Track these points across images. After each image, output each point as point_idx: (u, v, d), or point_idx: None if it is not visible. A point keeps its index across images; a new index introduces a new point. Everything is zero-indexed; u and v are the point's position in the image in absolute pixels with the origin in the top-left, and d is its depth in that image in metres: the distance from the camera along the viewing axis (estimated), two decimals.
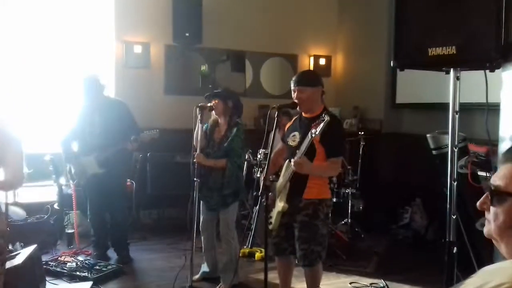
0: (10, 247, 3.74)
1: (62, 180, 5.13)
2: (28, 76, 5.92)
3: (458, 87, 2.58)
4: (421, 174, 5.34)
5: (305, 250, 3.20)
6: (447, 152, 2.67)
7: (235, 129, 3.87)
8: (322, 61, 7.21)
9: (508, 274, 1.05)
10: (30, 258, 3.54)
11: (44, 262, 4.13)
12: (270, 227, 3.28)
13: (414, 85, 5.88)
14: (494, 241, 1.23)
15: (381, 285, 4.21)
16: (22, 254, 3.55)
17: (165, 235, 5.50)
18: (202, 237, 4.03)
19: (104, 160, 4.48)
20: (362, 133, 5.70)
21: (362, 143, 5.59)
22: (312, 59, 7.20)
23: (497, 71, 2.39)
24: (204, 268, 4.22)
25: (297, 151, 3.11)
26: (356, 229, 5.42)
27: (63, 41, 6.00)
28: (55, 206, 5.18)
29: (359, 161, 5.57)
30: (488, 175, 3.96)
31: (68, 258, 4.41)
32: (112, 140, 4.47)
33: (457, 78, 2.57)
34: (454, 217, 2.61)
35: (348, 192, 5.35)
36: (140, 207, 5.90)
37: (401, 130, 6.32)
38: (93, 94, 4.53)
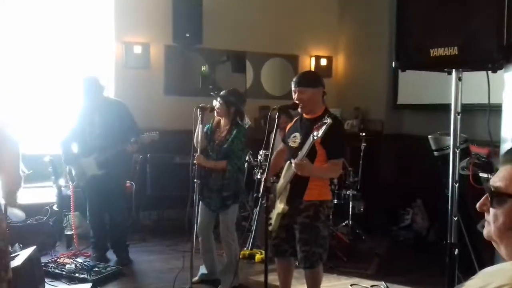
0: (9, 248, 3.72)
1: (62, 182, 5.12)
2: (28, 76, 5.91)
3: (460, 88, 2.57)
4: (422, 175, 5.33)
5: (306, 252, 3.18)
6: (449, 153, 2.66)
7: (235, 131, 3.85)
8: (323, 62, 7.20)
9: (508, 275, 1.04)
10: (29, 259, 3.52)
11: (43, 264, 4.12)
12: (270, 228, 3.26)
13: (416, 86, 5.86)
14: (494, 243, 1.22)
15: (382, 287, 4.19)
16: (21, 256, 3.53)
17: (165, 236, 5.48)
18: (199, 239, 4.02)
19: (104, 161, 4.47)
20: (363, 134, 5.68)
21: (363, 144, 5.57)
22: (313, 59, 7.19)
23: (499, 72, 2.37)
24: (203, 270, 4.20)
25: (298, 152, 3.09)
26: (357, 231, 5.40)
27: (63, 42, 5.99)
28: (54, 207, 5.16)
29: (360, 162, 5.56)
30: (489, 176, 3.95)
31: (67, 260, 4.39)
32: (112, 141, 4.46)
33: (459, 79, 2.56)
34: (455, 218, 2.60)
35: (349, 194, 5.33)
36: (139, 209, 5.89)
37: (403, 131, 6.31)
38: (93, 95, 4.52)
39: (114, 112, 4.54)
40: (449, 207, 2.62)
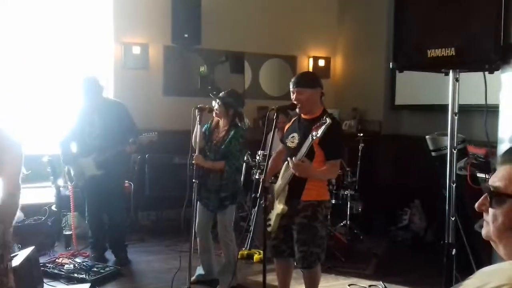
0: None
1: (60, 182, 5.12)
2: (27, 77, 5.91)
3: (457, 89, 2.58)
4: (420, 175, 5.34)
5: (304, 252, 3.18)
6: (446, 153, 2.67)
7: (232, 132, 3.86)
8: (321, 63, 7.21)
9: (507, 275, 1.05)
10: (27, 260, 3.52)
11: (41, 264, 4.12)
12: (269, 229, 3.27)
13: (413, 87, 5.88)
14: (492, 243, 1.22)
15: (380, 287, 4.20)
16: (20, 256, 3.54)
17: (163, 236, 5.48)
18: (197, 239, 4.03)
19: (103, 161, 4.47)
20: (361, 134, 5.70)
21: (361, 144, 5.58)
22: (311, 60, 7.20)
23: (496, 72, 2.38)
24: (200, 270, 4.20)
25: (296, 153, 3.10)
26: (355, 231, 5.41)
27: (62, 43, 5.99)
28: (53, 207, 5.16)
29: (358, 162, 5.57)
30: (487, 176, 3.96)
31: (65, 260, 4.39)
32: (111, 141, 4.46)
33: (456, 79, 2.57)
34: (453, 218, 2.61)
35: (347, 194, 5.34)
36: (138, 209, 5.89)
37: (400, 131, 6.32)
38: (93, 95, 4.52)
39: (113, 113, 4.54)
40: (447, 207, 2.63)
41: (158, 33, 6.25)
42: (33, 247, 3.77)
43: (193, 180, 3.73)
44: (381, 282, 4.25)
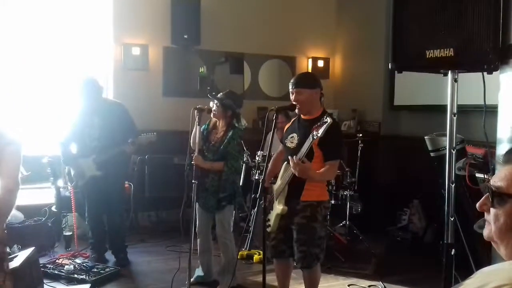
0: (8, 249, 3.72)
1: (60, 183, 5.12)
2: (26, 78, 5.91)
3: (455, 89, 2.59)
4: (419, 176, 5.35)
5: (303, 252, 3.19)
6: (445, 154, 2.67)
7: (230, 132, 3.87)
8: (321, 63, 7.22)
9: (507, 276, 1.05)
10: (27, 260, 3.52)
11: (41, 265, 4.11)
12: (269, 229, 3.28)
13: (412, 87, 5.89)
14: (493, 243, 1.23)
15: (380, 287, 4.21)
16: (20, 257, 3.53)
17: (163, 237, 5.49)
18: (198, 240, 4.03)
19: (103, 162, 4.47)
20: (361, 135, 5.70)
21: (360, 145, 5.59)
22: (310, 61, 7.21)
23: (494, 73, 2.39)
24: (199, 272, 4.20)
25: (297, 153, 3.10)
26: (355, 231, 5.41)
27: (61, 43, 6.00)
28: (53, 208, 5.17)
29: (358, 163, 5.57)
30: (486, 177, 3.97)
31: (66, 261, 4.39)
32: (111, 142, 4.47)
33: (455, 80, 2.58)
34: (452, 219, 2.61)
35: (347, 194, 5.34)
36: (138, 210, 5.89)
37: (399, 132, 6.33)
38: (92, 96, 4.51)
39: (113, 114, 4.55)
40: (446, 207, 2.63)
41: (157, 34, 6.25)
42: (33, 248, 3.76)
43: (193, 181, 3.73)
44: (380, 282, 4.26)
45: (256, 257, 4.78)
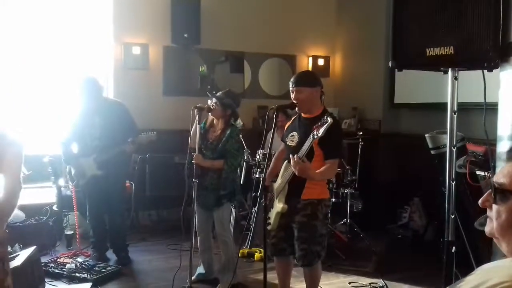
0: (9, 248, 3.74)
1: (61, 182, 5.13)
2: (27, 77, 5.91)
3: (456, 87, 2.59)
4: (420, 173, 5.35)
5: (304, 250, 3.20)
6: (446, 151, 2.68)
7: (229, 131, 3.89)
8: (321, 62, 7.22)
9: (508, 273, 1.05)
10: (29, 259, 3.54)
11: (43, 264, 4.13)
12: (269, 227, 3.28)
13: (413, 85, 5.90)
14: (495, 239, 1.23)
15: (380, 284, 4.22)
16: (21, 256, 3.55)
17: (164, 236, 5.50)
18: (198, 238, 4.04)
19: (103, 162, 4.48)
20: (361, 133, 5.71)
21: (360, 143, 5.60)
22: (310, 59, 7.21)
23: (495, 70, 2.39)
24: (200, 270, 4.22)
25: (298, 152, 3.10)
26: (355, 229, 5.42)
27: (62, 43, 6.00)
28: (54, 207, 5.18)
29: (358, 161, 5.58)
30: (486, 174, 3.98)
31: (67, 260, 4.41)
32: (112, 142, 4.47)
33: (455, 78, 2.58)
34: (452, 216, 2.62)
35: (347, 192, 5.35)
36: (139, 208, 5.90)
37: (400, 130, 6.33)
38: (93, 96, 4.52)
39: (114, 113, 4.55)
40: (446, 205, 2.64)
41: (158, 34, 6.26)
42: (34, 247, 3.78)
43: (193, 180, 3.74)
44: (381, 280, 4.27)
45: (257, 255, 4.79)
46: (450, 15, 2.40)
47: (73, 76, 5.73)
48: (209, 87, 5.81)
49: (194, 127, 3.85)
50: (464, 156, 4.10)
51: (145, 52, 6.22)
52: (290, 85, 3.26)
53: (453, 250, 2.58)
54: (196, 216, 3.93)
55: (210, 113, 3.96)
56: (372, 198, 5.85)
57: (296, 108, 3.27)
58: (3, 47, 5.73)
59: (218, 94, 3.97)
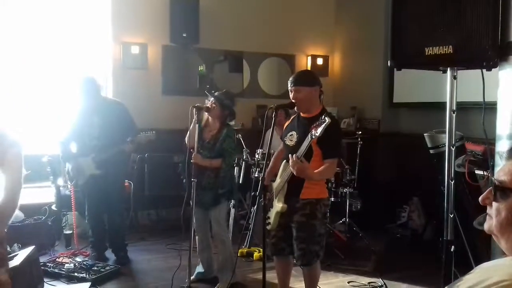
0: (8, 248, 3.73)
1: (60, 181, 5.13)
2: (26, 77, 5.91)
3: (455, 86, 2.59)
4: (419, 173, 5.36)
5: (303, 250, 3.20)
6: (444, 151, 2.68)
7: (225, 130, 3.91)
8: (320, 61, 7.22)
9: (507, 272, 1.06)
10: (28, 259, 3.53)
11: (42, 263, 4.13)
12: (269, 227, 3.28)
13: (412, 85, 5.90)
14: (494, 237, 1.24)
15: (379, 284, 4.22)
16: (20, 256, 3.54)
17: (163, 235, 5.50)
18: (197, 238, 4.05)
19: (102, 161, 4.47)
20: (360, 132, 5.71)
21: (360, 142, 5.60)
22: (309, 59, 7.21)
23: (493, 70, 2.39)
24: (199, 269, 4.22)
25: (297, 151, 3.10)
26: (354, 228, 5.43)
27: (60, 42, 5.99)
28: (53, 207, 5.17)
29: (357, 160, 5.59)
30: (485, 173, 3.98)
31: (66, 259, 4.40)
32: (111, 141, 4.47)
33: (454, 77, 2.58)
34: (451, 215, 2.62)
35: (346, 192, 5.35)
36: (138, 208, 5.90)
37: (399, 129, 6.33)
38: (92, 95, 4.51)
39: (112, 113, 4.55)
40: (445, 204, 2.64)
41: (156, 33, 6.25)
42: (33, 246, 3.77)
43: (192, 179, 3.74)
44: (380, 279, 4.27)
45: (256, 255, 4.79)
46: (449, 14, 2.40)
47: (72, 75, 5.73)
48: (208, 86, 5.81)
49: (192, 126, 3.85)
50: (463, 156, 4.11)
51: (144, 51, 6.22)
52: (289, 85, 3.26)
53: (452, 249, 2.58)
54: (194, 215, 3.93)
55: (207, 113, 3.96)
56: (371, 197, 5.85)
57: (295, 108, 3.26)
58: (2, 46, 5.72)
59: (217, 94, 3.97)
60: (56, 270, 4.21)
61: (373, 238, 5.41)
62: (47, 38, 5.93)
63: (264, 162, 3.32)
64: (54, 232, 5.05)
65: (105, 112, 4.52)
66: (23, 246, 4.08)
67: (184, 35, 6.14)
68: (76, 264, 4.29)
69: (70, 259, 4.40)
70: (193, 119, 3.78)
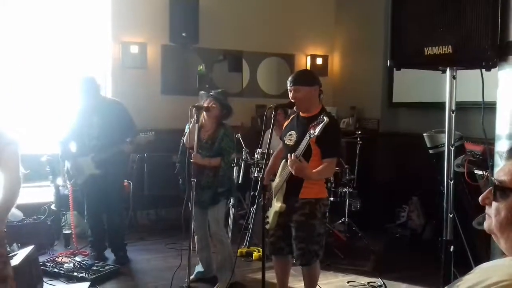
0: (7, 248, 3.73)
1: (59, 181, 5.13)
2: (25, 76, 5.91)
3: (454, 86, 2.60)
4: (418, 173, 5.36)
5: (302, 250, 3.20)
6: (444, 151, 2.68)
7: (222, 129, 3.92)
8: (319, 61, 7.22)
9: (507, 272, 1.06)
10: (27, 259, 3.53)
11: (41, 263, 4.13)
12: (267, 226, 3.28)
13: (411, 84, 5.90)
14: (493, 236, 1.24)
15: (379, 283, 4.22)
16: (19, 255, 3.54)
17: (162, 235, 5.50)
18: (196, 237, 4.05)
19: (101, 161, 4.47)
20: (359, 132, 5.71)
21: (359, 142, 5.60)
22: (309, 58, 7.21)
23: (493, 70, 2.40)
24: (199, 268, 4.22)
25: (296, 151, 3.10)
26: (354, 228, 5.43)
27: (60, 42, 5.99)
28: (52, 207, 5.17)
29: (357, 160, 5.59)
30: (484, 173, 3.98)
31: (65, 259, 4.40)
32: (110, 141, 4.47)
33: (453, 77, 2.58)
34: (451, 215, 2.62)
35: (346, 191, 5.36)
36: (137, 208, 5.90)
37: (398, 129, 6.33)
38: (91, 94, 4.51)
39: (112, 113, 4.54)
40: (445, 204, 2.64)
41: (156, 32, 6.25)
42: (32, 246, 3.77)
43: (192, 179, 3.74)
44: (379, 279, 4.27)
45: (255, 254, 4.79)
46: (449, 14, 2.40)
47: (72, 75, 5.73)
48: (207, 86, 5.81)
49: (191, 126, 3.85)
50: (462, 155, 4.11)
51: (143, 51, 6.21)
52: (288, 84, 3.26)
53: (451, 249, 2.58)
54: (193, 215, 3.93)
55: (206, 113, 3.96)
56: (371, 197, 5.85)
57: (294, 107, 3.26)
58: (2, 46, 5.71)
59: (214, 94, 3.98)
60: (56, 270, 4.21)
61: (373, 238, 5.41)
62: (47, 38, 5.93)
63: (264, 162, 3.32)
64: (54, 231, 5.05)
65: (104, 112, 4.52)
66: (22, 245, 4.08)
67: (184, 34, 6.14)
68: (76, 264, 4.29)
69: (69, 259, 4.40)
70: (193, 119, 3.77)
